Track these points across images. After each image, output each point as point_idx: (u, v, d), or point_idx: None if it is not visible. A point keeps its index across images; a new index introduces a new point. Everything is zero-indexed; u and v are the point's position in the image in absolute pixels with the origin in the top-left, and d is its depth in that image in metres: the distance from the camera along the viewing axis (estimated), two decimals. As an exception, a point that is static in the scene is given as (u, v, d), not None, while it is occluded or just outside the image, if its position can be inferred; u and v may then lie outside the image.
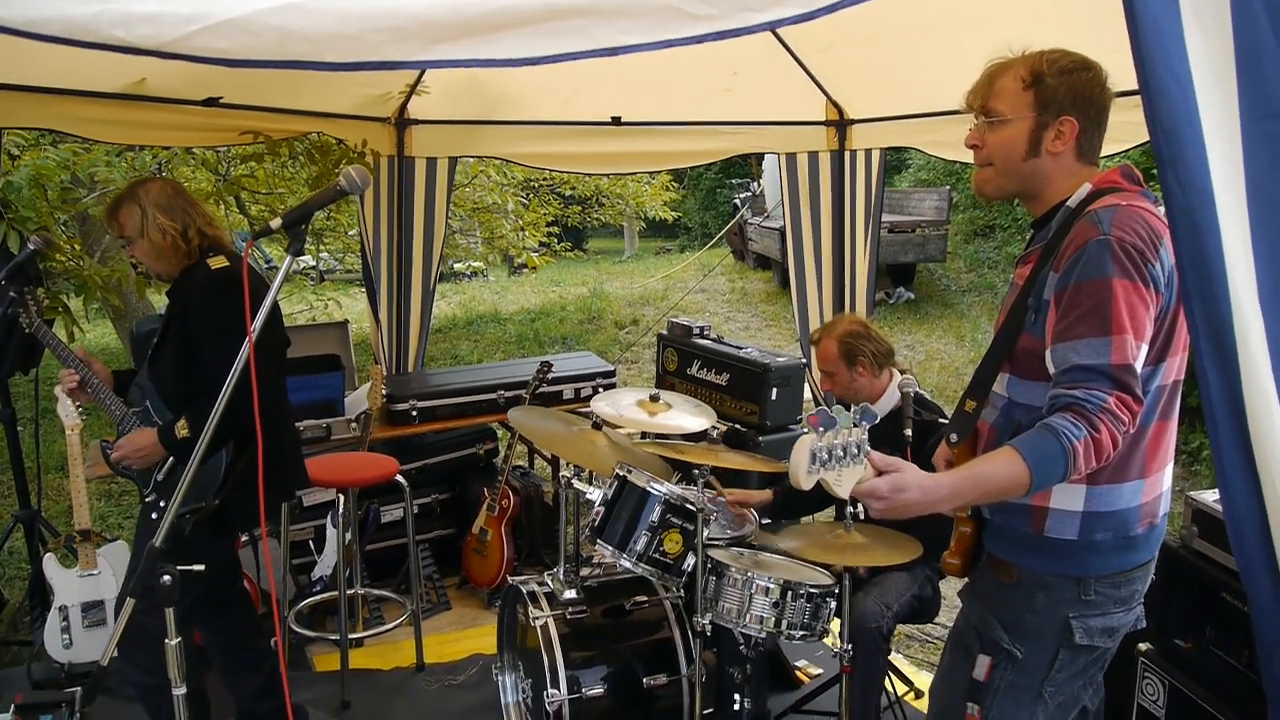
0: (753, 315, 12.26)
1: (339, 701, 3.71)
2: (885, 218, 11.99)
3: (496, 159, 6.68)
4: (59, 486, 6.24)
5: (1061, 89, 1.92)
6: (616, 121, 5.00)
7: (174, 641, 1.96)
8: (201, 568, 1.98)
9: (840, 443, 1.75)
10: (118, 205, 2.94)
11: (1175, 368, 1.94)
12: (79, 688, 3.50)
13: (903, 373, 3.32)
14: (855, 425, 1.77)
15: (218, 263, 2.88)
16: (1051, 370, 1.87)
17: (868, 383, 3.32)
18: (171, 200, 2.92)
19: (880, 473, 1.82)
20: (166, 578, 1.90)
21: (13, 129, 4.11)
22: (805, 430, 1.75)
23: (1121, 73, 1.23)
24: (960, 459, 2.09)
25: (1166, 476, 2.02)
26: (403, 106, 4.85)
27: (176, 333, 2.92)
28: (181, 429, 2.79)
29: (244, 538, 4.07)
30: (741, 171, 18.47)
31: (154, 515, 2.90)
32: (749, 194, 15.12)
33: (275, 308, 3.07)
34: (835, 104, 4.98)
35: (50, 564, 3.75)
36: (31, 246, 3.12)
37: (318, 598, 4.32)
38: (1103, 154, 2.02)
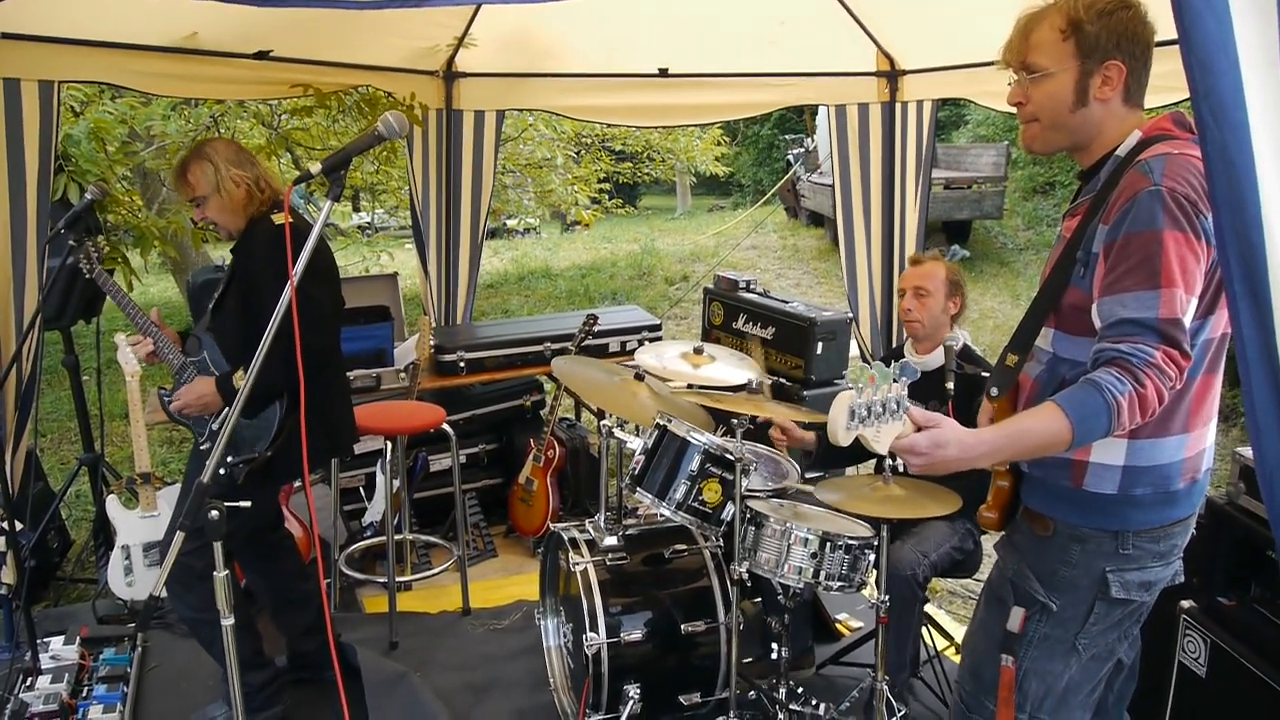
0: (804, 272, 12.15)
1: (387, 642, 3.81)
2: (941, 174, 11.89)
3: (544, 111, 6.68)
4: (121, 432, 6.43)
5: (1103, 33, 1.85)
6: (664, 73, 4.96)
7: (221, 574, 2.03)
8: (248, 504, 2.05)
9: (879, 399, 1.71)
10: (186, 166, 3.00)
11: (1224, 321, 1.88)
12: (140, 622, 3.67)
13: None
14: (895, 381, 1.73)
15: (280, 218, 2.94)
16: (1097, 324, 1.82)
17: (948, 321, 3.33)
18: (238, 154, 3.02)
19: (920, 428, 1.78)
20: (214, 513, 1.96)
21: (71, 82, 4.19)
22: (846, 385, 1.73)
23: (1165, 18, 1.18)
24: (1001, 413, 2.05)
25: (1210, 432, 1.98)
26: (450, 59, 4.85)
27: (239, 286, 3.00)
28: (239, 379, 2.88)
29: (296, 484, 4.17)
30: (796, 127, 18.22)
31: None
32: (802, 150, 14.92)
33: (334, 268, 3.15)
34: (886, 54, 4.88)
35: (113, 505, 3.89)
36: (89, 196, 3.20)
37: (367, 542, 4.42)
38: (1151, 106, 1.95)
